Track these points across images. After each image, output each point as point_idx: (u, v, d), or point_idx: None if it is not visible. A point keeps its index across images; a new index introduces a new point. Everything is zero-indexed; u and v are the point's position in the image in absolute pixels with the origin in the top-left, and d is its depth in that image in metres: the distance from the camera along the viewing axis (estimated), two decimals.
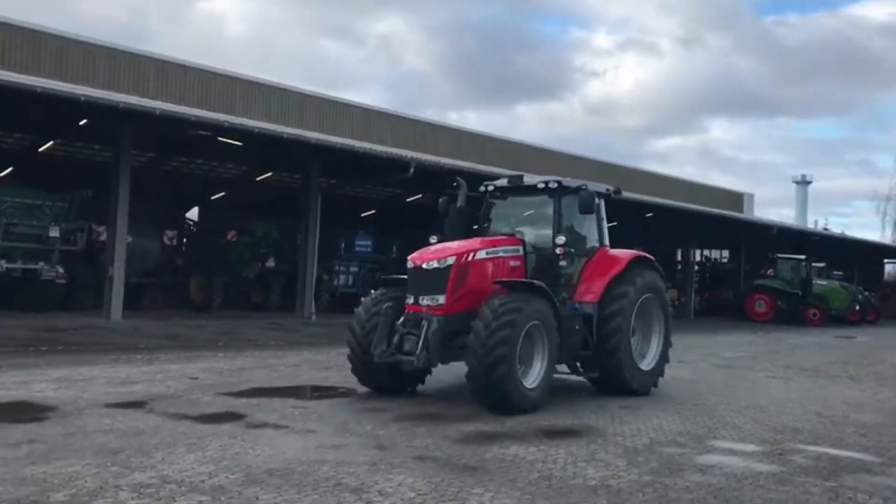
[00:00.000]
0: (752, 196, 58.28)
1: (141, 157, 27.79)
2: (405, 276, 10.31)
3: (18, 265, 21.17)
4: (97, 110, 19.68)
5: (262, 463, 6.74)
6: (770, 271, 40.36)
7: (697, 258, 44.12)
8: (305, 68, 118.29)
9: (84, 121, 22.09)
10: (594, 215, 11.56)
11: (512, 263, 10.64)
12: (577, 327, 10.66)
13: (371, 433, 8.15)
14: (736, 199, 54.87)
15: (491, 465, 7.08)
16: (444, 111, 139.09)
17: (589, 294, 11.08)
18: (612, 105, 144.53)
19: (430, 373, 10.57)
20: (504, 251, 10.61)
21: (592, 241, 11.76)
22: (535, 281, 10.18)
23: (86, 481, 5.96)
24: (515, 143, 40.35)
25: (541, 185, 11.23)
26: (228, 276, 26.80)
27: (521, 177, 11.80)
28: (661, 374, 12.07)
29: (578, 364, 11.14)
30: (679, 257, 43.18)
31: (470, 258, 10.10)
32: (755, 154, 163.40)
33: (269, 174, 33.19)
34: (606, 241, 11.92)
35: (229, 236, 27.75)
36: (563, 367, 11.04)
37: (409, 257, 10.33)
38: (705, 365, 16.93)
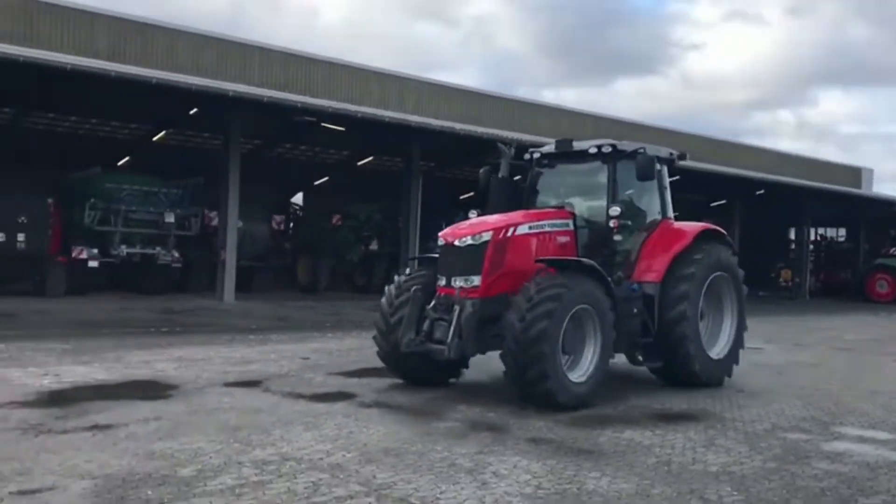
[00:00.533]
0: (871, 171, 55.03)
1: (248, 144, 28.66)
2: None
3: (138, 250, 22.29)
4: (207, 99, 20.38)
5: (377, 442, 6.81)
6: (893, 250, 38.11)
7: (812, 237, 42.09)
8: (401, 52, 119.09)
9: (195, 110, 22.92)
10: (655, 183, 10.26)
11: (560, 239, 9.45)
12: (635, 311, 9.40)
13: (482, 414, 8.11)
14: (853, 174, 51.98)
15: (606, 448, 6.92)
16: (540, 90, 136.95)
17: (650, 273, 9.79)
18: (714, 79, 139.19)
19: (467, 364, 9.57)
20: (551, 225, 9.42)
21: (654, 213, 10.42)
22: (583, 259, 9.07)
23: (210, 457, 6.17)
24: (613, 120, 39.37)
25: (592, 150, 9.91)
26: (334, 258, 27.41)
27: (570, 141, 10.39)
28: (736, 362, 10.65)
29: (638, 353, 9.66)
30: (792, 236, 41.33)
31: (510, 234, 8.95)
32: (874, 126, 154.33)
33: (371, 158, 33.65)
34: (670, 213, 10.55)
35: (334, 220, 28.31)
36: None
37: (440, 234, 9.34)
38: (825, 348, 16.14)
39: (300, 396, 8.75)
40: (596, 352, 8.64)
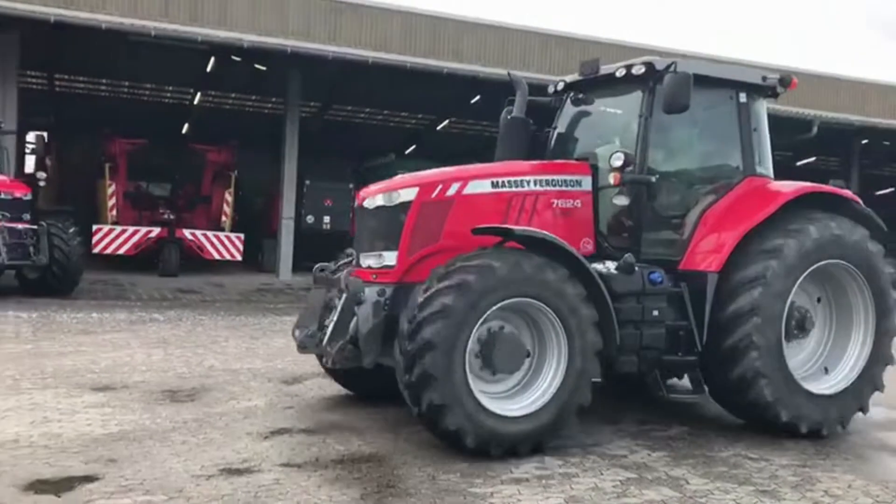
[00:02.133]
0: None
1: None
2: None
3: None
4: (490, 85, 20.83)
5: (683, 443, 6.35)
6: None
7: None
8: (692, 33, 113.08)
9: (477, 97, 23.59)
10: (735, 121, 7.10)
11: (562, 204, 6.67)
12: (655, 313, 6.32)
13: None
14: None
15: None
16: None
17: (706, 257, 6.63)
18: None
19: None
20: (546, 183, 6.62)
21: (730, 166, 7.20)
22: (528, 228, 6.20)
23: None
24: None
25: (620, 73, 6.95)
26: None
27: (596, 62, 7.34)
28: (875, 389, 6.99)
29: (664, 380, 6.64)
30: None
31: (451, 192, 6.32)
32: None
33: None
34: (763, 168, 7.22)
35: None
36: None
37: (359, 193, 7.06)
38: None
39: (601, 386, 8.45)
40: (559, 371, 5.87)
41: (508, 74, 8.09)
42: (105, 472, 5.10)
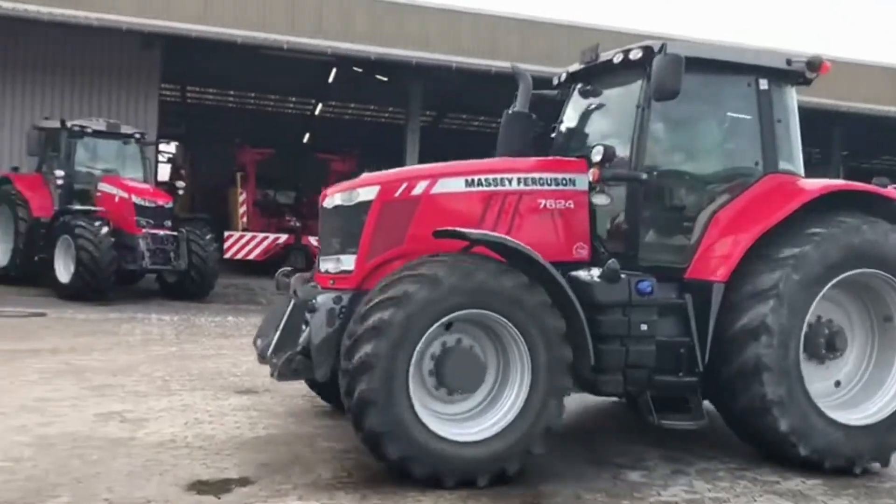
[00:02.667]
0: None
1: None
2: None
3: None
4: (538, 84, 20.52)
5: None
6: None
7: None
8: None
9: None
10: (755, 111, 6.24)
11: (549, 205, 5.93)
12: (643, 327, 5.52)
13: None
14: None
15: None
16: None
17: (716, 264, 5.89)
18: None
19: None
20: (525, 181, 5.90)
21: (746, 162, 6.35)
22: (492, 233, 5.55)
23: (655, 463, 6.01)
24: None
25: (617, 59, 6.22)
26: None
27: (596, 49, 6.57)
28: None
29: (655, 403, 5.71)
30: None
31: (416, 191, 5.72)
32: None
33: None
34: (788, 165, 6.38)
35: None
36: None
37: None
38: None
39: None
40: (522, 391, 5.27)
41: (511, 67, 7.43)
42: (259, 476, 5.28)
